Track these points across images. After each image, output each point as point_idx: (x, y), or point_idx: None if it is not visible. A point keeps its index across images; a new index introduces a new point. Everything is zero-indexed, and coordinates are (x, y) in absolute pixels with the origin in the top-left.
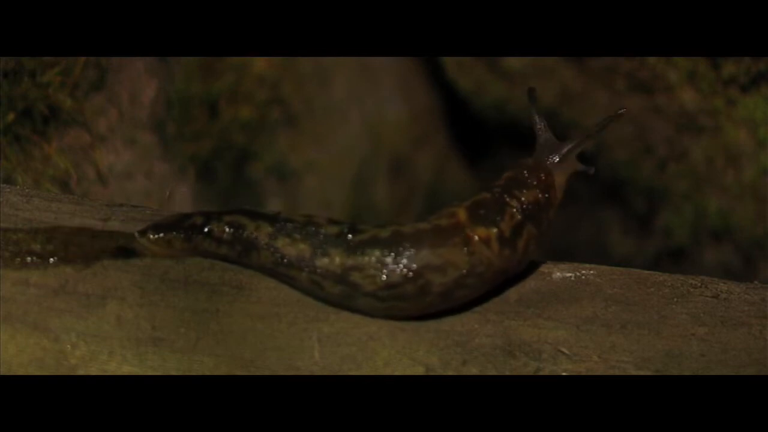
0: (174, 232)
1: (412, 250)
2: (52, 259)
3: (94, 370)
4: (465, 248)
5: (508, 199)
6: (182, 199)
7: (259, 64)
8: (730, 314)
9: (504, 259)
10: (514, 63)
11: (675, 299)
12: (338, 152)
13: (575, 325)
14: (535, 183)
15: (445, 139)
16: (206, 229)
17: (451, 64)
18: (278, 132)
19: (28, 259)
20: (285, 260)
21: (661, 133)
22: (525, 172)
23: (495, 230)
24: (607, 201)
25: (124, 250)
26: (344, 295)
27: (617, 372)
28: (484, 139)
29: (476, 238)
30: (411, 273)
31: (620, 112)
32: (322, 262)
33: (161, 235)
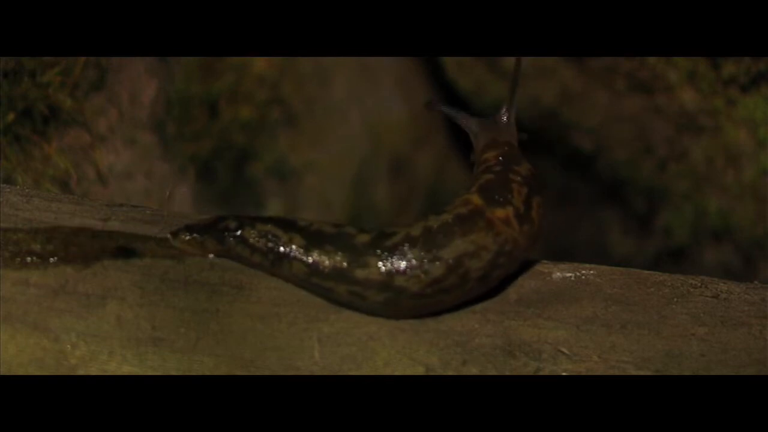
0: (207, 234)
1: (446, 242)
2: (52, 259)
3: (94, 370)
4: (490, 230)
5: (511, 176)
6: (182, 199)
7: (259, 64)
8: (730, 314)
9: (525, 234)
10: (513, 63)
11: (675, 299)
12: (338, 152)
13: (575, 325)
14: (521, 155)
15: (445, 139)
16: (239, 234)
17: (451, 64)
18: (278, 132)
19: (28, 259)
20: (319, 272)
21: (661, 133)
22: (507, 148)
23: (511, 208)
24: (607, 201)
25: (124, 250)
26: (388, 302)
27: (617, 372)
28: None
29: (496, 219)
30: (451, 264)
31: (517, 60)
32: (362, 272)
33: (195, 236)
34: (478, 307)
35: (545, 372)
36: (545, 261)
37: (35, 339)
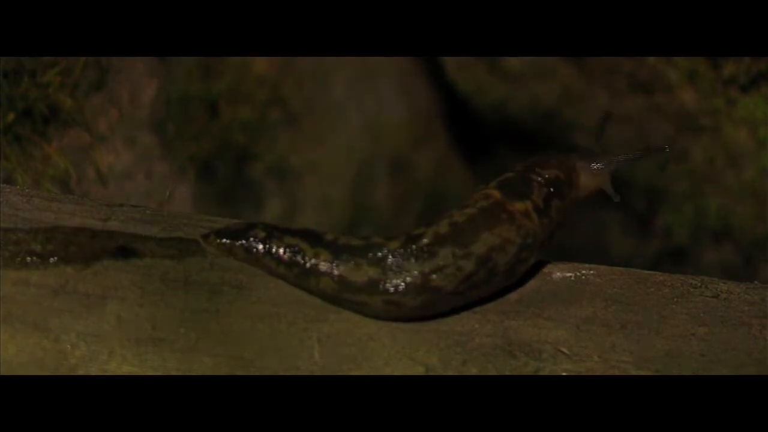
0: (236, 241)
1: (474, 236)
2: (52, 259)
3: (94, 370)
4: (513, 223)
5: (531, 175)
6: (182, 199)
7: (259, 64)
8: (730, 314)
9: (544, 228)
10: (514, 63)
11: (675, 299)
12: (338, 152)
13: (575, 325)
14: (555, 164)
15: (445, 139)
16: (266, 246)
17: (451, 64)
18: (278, 132)
19: (28, 259)
20: (351, 287)
21: (661, 133)
22: (551, 159)
23: (529, 203)
24: (607, 201)
25: (124, 250)
26: (424, 305)
27: (617, 372)
28: (484, 139)
29: (517, 211)
30: (481, 258)
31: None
32: (398, 279)
33: (224, 241)
34: (478, 307)
35: (545, 372)
36: (545, 261)
37: (35, 339)
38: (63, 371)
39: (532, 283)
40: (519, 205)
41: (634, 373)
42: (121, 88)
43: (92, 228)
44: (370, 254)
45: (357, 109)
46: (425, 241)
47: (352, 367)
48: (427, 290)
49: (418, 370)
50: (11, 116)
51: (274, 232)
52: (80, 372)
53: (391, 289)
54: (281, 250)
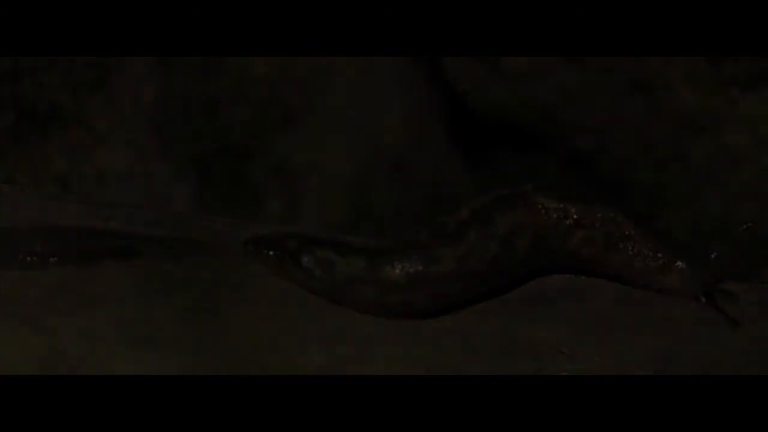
0: (269, 252)
1: (492, 217)
2: (52, 259)
3: (94, 370)
4: (527, 209)
5: (599, 204)
6: (182, 199)
7: (259, 64)
8: (730, 314)
9: (559, 233)
10: (514, 63)
11: (675, 299)
12: (338, 152)
13: (575, 325)
14: (655, 238)
15: (445, 139)
16: (297, 259)
17: (451, 63)
18: (278, 132)
19: (28, 259)
20: (394, 287)
21: (661, 133)
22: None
23: (556, 202)
24: (606, 201)
25: (125, 250)
26: (464, 291)
27: (617, 372)
28: (483, 139)
29: (534, 202)
30: (503, 240)
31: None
32: (438, 268)
33: (260, 250)
34: (478, 307)
35: (545, 372)
36: None
37: (35, 339)
38: (63, 371)
39: (532, 283)
40: (542, 199)
41: (634, 373)
42: (121, 88)
43: (92, 228)
44: (404, 250)
45: (357, 109)
46: (451, 227)
47: (353, 367)
48: (463, 275)
49: (418, 370)
50: (11, 116)
51: (304, 243)
52: (80, 372)
53: (435, 280)
54: (312, 264)
